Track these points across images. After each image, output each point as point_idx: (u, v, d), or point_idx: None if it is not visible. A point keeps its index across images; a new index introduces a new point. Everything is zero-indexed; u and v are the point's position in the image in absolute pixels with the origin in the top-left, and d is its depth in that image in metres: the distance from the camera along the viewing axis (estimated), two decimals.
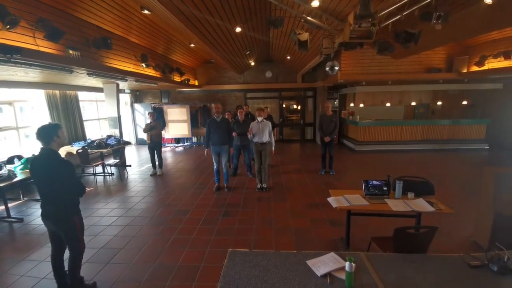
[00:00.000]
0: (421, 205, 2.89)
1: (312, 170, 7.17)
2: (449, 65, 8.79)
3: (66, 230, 2.56)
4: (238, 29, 5.84)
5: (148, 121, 6.95)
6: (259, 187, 5.69)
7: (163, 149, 10.95)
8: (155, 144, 6.92)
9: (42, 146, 2.47)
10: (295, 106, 16.21)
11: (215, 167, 5.77)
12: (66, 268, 2.70)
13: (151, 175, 7.03)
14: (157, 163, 7.15)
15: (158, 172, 7.16)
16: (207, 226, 4.15)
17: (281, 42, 8.37)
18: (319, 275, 1.72)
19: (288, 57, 9.87)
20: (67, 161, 2.56)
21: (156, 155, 7.03)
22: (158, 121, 7.02)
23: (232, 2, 4.87)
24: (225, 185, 5.81)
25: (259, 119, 5.48)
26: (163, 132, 11.48)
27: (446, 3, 4.18)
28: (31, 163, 2.53)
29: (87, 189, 5.97)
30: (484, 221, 3.30)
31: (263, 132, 5.43)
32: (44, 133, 2.43)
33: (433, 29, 4.33)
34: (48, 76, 5.77)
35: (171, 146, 11.70)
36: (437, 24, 4.01)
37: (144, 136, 10.03)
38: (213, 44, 6.76)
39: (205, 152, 5.62)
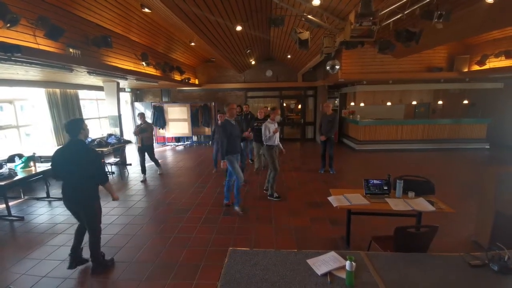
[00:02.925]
0: (422, 204, 2.88)
1: (312, 169, 7.17)
2: (450, 64, 8.77)
3: (88, 212, 2.90)
4: (238, 28, 5.83)
5: (138, 122, 6.47)
6: (276, 196, 5.13)
7: (161, 148, 11.06)
8: (146, 147, 6.49)
9: (70, 139, 2.84)
10: (295, 105, 16.19)
11: (235, 181, 4.52)
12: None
13: (141, 181, 6.44)
14: (148, 164, 6.76)
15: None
16: (208, 225, 4.15)
17: (281, 41, 8.36)
18: (319, 274, 1.72)
19: (289, 56, 9.85)
20: (95, 150, 2.97)
21: (149, 157, 6.67)
22: (148, 122, 6.56)
23: (232, 0, 4.85)
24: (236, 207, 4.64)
25: (277, 118, 5.11)
26: (163, 131, 11.52)
27: (448, 2, 4.17)
28: (56, 153, 2.85)
29: None
30: (484, 220, 3.30)
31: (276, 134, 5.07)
32: (72, 126, 2.79)
33: (434, 28, 4.32)
34: (48, 74, 5.77)
35: (171, 145, 11.70)
36: (438, 23, 4.00)
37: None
38: (213, 43, 6.75)
39: (221, 164, 4.31)
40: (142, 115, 6.46)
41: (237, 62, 10.19)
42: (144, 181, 6.49)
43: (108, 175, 2.98)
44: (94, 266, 3.00)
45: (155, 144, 11.62)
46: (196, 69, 12.08)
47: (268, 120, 5.15)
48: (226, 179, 4.79)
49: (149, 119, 11.49)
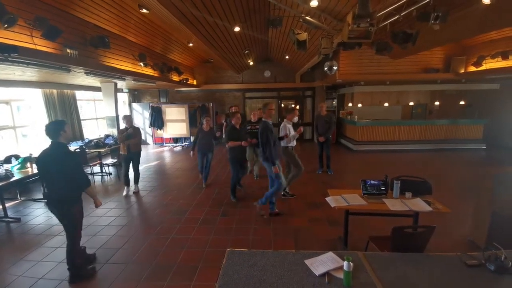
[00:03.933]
0: (419, 204, 2.90)
1: (311, 170, 7.17)
2: (446, 66, 8.83)
3: (66, 217, 2.80)
4: (237, 29, 5.84)
5: (123, 126, 5.50)
6: (290, 194, 5.19)
7: (159, 149, 11.02)
8: (133, 154, 5.43)
9: (51, 141, 2.75)
10: (293, 106, 16.21)
11: (275, 186, 4.23)
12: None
13: (125, 195, 5.47)
14: (131, 176, 5.67)
15: (134, 188, 5.68)
16: (206, 226, 4.14)
17: (280, 42, 8.38)
18: (317, 275, 1.72)
19: (287, 57, 9.88)
20: (75, 153, 2.91)
21: (133, 167, 5.55)
22: (136, 126, 5.60)
23: (231, 1, 4.86)
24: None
25: (295, 119, 4.87)
26: (161, 131, 11.48)
27: (444, 4, 4.19)
28: (40, 155, 2.76)
29: None
30: (481, 220, 3.32)
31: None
32: (52, 129, 2.73)
33: (431, 29, 4.35)
34: (45, 75, 5.74)
35: (169, 146, 11.67)
36: (435, 24, 4.03)
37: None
38: (211, 43, 6.75)
39: (274, 170, 4.07)
40: (128, 118, 5.47)
41: (235, 63, 10.19)
42: (126, 196, 5.47)
43: (90, 180, 2.93)
44: (71, 274, 2.87)
45: (152, 145, 11.65)
46: (194, 70, 12.07)
47: (286, 120, 4.87)
48: (273, 185, 4.30)
49: (146, 120, 11.47)
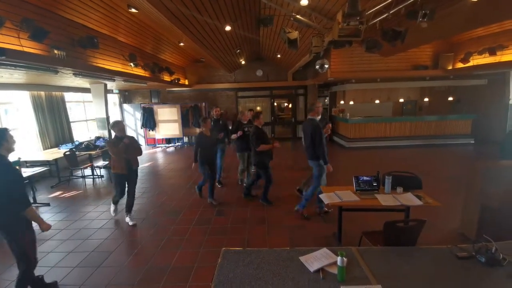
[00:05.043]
0: (410, 199, 2.95)
1: (304, 168, 7.21)
2: (435, 62, 8.99)
3: (12, 242, 2.36)
4: (227, 28, 5.82)
5: (113, 134, 4.14)
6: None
7: (151, 150, 10.90)
8: (134, 173, 4.20)
9: None
10: (286, 104, 16.27)
11: (312, 186, 4.21)
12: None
13: (114, 215, 4.48)
14: (124, 200, 4.27)
15: (129, 220, 4.23)
16: (200, 226, 4.13)
17: (271, 41, 8.39)
18: (312, 271, 1.74)
19: (279, 56, 9.90)
20: (13, 168, 2.38)
21: (128, 190, 4.21)
22: (130, 136, 4.18)
23: (221, 0, 4.84)
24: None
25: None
26: (153, 132, 11.36)
27: (432, 1, 4.27)
28: None
29: (76, 192, 5.89)
30: (471, 213, 3.40)
31: None
32: None
33: (419, 27, 4.43)
34: (33, 77, 5.62)
35: (162, 147, 11.57)
36: (423, 22, 4.10)
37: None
38: (202, 43, 6.71)
39: (327, 169, 4.05)
40: (120, 126, 4.02)
41: (227, 62, 10.16)
42: (116, 213, 4.51)
43: (30, 201, 2.48)
44: None
45: (145, 147, 11.52)
46: (186, 70, 11.99)
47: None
48: (313, 186, 4.18)
49: (138, 121, 11.31)
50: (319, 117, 4.07)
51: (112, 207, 4.48)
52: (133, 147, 4.07)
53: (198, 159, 4.74)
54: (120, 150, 3.90)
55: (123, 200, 4.29)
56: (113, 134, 4.14)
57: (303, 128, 4.33)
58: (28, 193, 2.50)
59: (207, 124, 4.81)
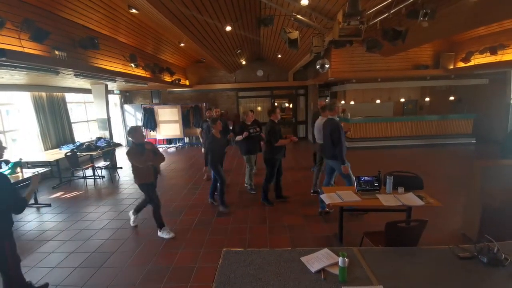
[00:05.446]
0: (411, 199, 2.94)
1: (305, 167, 7.22)
2: (436, 62, 8.97)
3: None
4: (228, 28, 5.82)
5: (130, 140, 3.87)
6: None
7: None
8: (156, 180, 3.97)
9: None
10: (287, 105, 16.25)
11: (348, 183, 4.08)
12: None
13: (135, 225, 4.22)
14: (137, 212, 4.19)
15: (132, 221, 4.21)
16: (201, 226, 4.13)
17: (271, 41, 8.38)
18: (313, 271, 1.73)
19: (279, 56, 9.90)
20: (3, 175, 2.26)
21: (149, 194, 3.86)
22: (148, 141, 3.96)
23: (221, 0, 4.84)
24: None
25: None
26: (154, 133, 11.37)
27: (432, 1, 4.26)
28: None
29: (77, 193, 5.90)
30: (472, 213, 3.39)
31: None
32: None
33: (420, 26, 4.41)
34: (34, 78, 5.63)
35: (163, 147, 11.58)
36: (424, 21, 4.09)
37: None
38: (203, 43, 6.72)
39: (343, 169, 4.05)
40: (139, 132, 3.70)
41: (228, 62, 10.16)
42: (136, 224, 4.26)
43: (24, 200, 2.34)
44: None
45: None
46: (186, 70, 12.00)
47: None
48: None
49: (139, 122, 11.34)
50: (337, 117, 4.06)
51: (132, 217, 4.20)
52: (155, 153, 3.72)
53: (209, 162, 4.51)
54: (148, 158, 3.56)
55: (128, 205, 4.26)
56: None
57: (319, 127, 4.31)
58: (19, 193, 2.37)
59: (217, 126, 4.58)
